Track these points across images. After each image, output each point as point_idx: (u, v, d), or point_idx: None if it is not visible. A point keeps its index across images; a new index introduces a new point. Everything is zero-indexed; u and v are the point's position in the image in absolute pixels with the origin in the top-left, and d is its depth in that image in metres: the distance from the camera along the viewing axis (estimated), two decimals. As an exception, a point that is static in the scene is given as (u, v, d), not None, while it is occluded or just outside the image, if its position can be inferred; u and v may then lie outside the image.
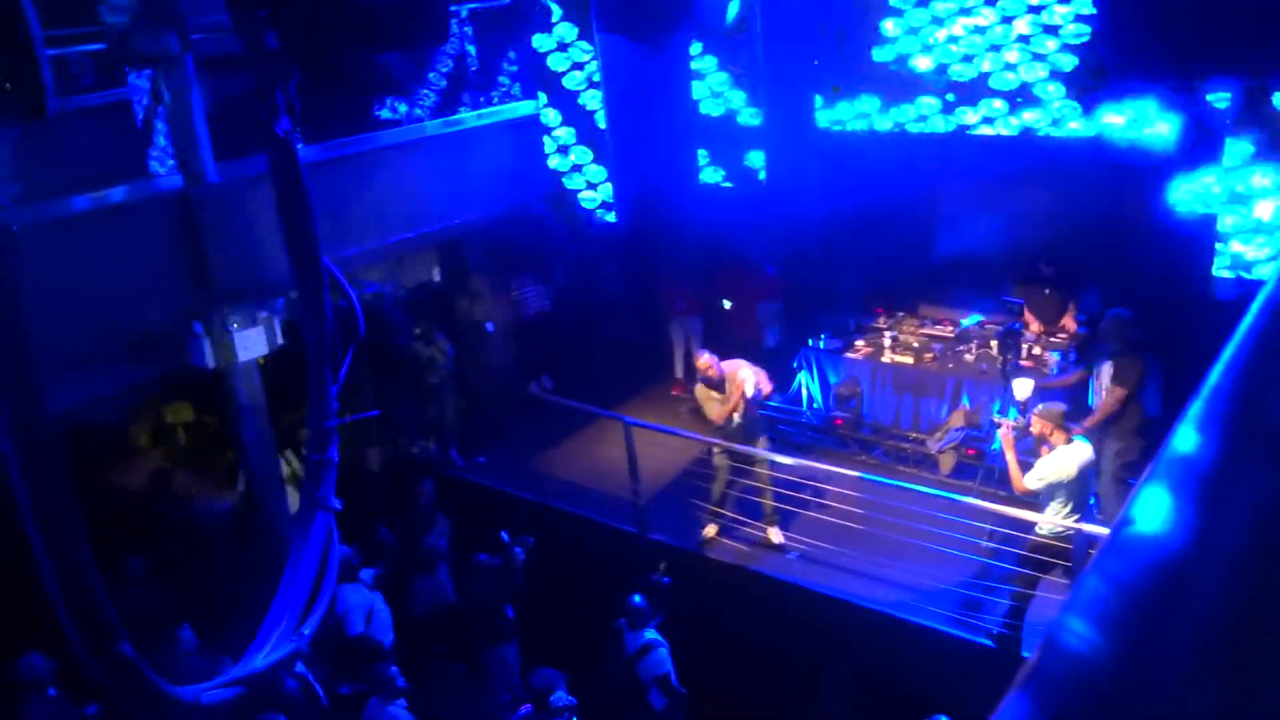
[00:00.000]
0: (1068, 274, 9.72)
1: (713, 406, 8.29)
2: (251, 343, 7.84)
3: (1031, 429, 6.97)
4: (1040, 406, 6.99)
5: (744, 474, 8.48)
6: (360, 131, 9.14)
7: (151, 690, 5.14)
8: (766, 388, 8.56)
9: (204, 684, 5.87)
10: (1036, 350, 9.34)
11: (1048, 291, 9.74)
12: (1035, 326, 9.68)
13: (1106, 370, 7.79)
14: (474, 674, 8.29)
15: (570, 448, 10.51)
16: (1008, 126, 9.91)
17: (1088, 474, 6.88)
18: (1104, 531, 6.56)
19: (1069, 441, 6.75)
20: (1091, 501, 7.22)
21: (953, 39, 9.95)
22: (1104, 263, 9.45)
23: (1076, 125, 9.56)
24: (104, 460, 9.16)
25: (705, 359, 8.30)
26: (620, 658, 7.13)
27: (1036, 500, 6.99)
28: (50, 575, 4.57)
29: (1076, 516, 6.69)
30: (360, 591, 7.86)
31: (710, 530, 8.71)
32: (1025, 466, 6.93)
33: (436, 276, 10.94)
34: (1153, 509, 1.02)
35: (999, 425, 7.41)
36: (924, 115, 10.35)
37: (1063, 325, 9.64)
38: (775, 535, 8.53)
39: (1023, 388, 7.57)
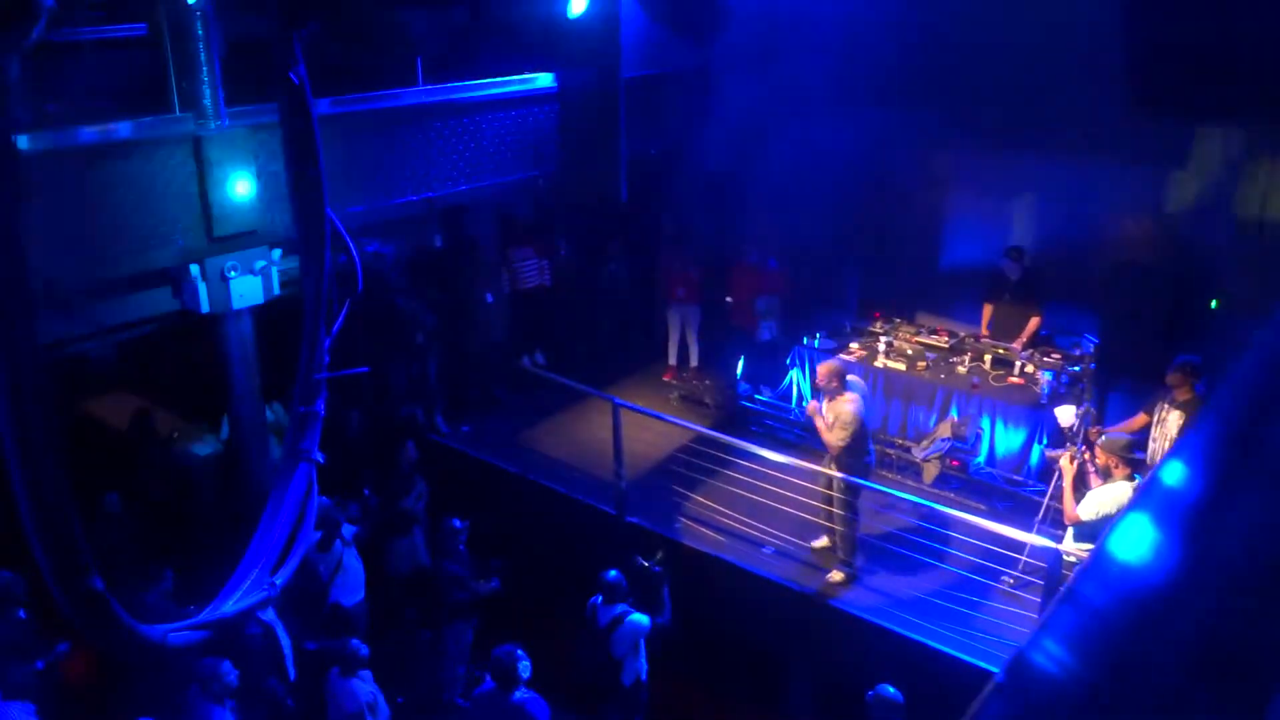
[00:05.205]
0: (1032, 283, 9.70)
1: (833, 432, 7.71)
2: (247, 290, 7.81)
3: (1096, 460, 6.81)
4: (1104, 439, 6.88)
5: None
6: (372, 89, 9.05)
7: (118, 626, 5.13)
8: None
9: (171, 624, 5.87)
10: (1029, 369, 9.36)
11: (1008, 298, 9.73)
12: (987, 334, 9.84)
13: (1175, 419, 7.46)
14: (438, 643, 8.30)
15: (556, 424, 10.51)
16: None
17: None
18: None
19: (1130, 477, 6.56)
20: None
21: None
22: (1105, 288, 9.44)
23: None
24: (90, 396, 9.13)
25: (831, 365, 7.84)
26: (593, 633, 7.14)
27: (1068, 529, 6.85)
28: (24, 502, 4.55)
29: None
30: (334, 546, 7.87)
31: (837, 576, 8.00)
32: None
33: (438, 242, 10.88)
34: (1135, 539, 1.02)
35: (1055, 457, 7.36)
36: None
37: (1023, 338, 9.59)
38: (836, 575, 7.99)
39: (1065, 414, 7.37)
